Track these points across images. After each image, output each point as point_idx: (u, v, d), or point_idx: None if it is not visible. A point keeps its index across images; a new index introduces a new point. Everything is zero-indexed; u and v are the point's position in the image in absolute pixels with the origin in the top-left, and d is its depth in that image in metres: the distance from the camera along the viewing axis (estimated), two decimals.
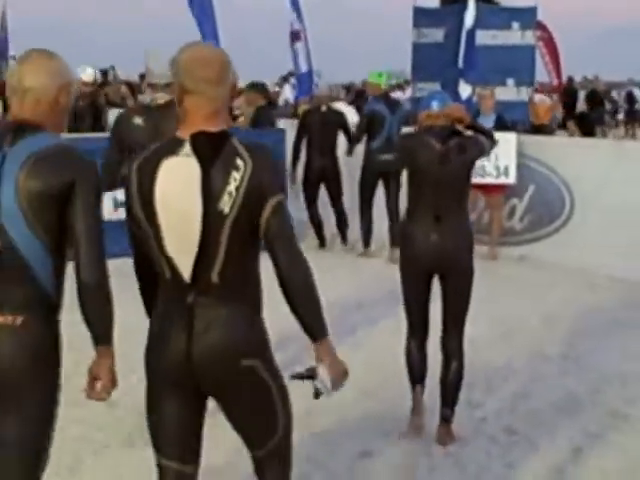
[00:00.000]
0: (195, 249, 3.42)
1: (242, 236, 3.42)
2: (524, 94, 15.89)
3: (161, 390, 3.60)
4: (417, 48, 15.98)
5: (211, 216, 3.39)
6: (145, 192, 3.43)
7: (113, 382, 3.60)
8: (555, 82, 25.27)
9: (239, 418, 3.64)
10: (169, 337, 3.51)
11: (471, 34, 13.63)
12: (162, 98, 6.07)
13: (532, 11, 16.15)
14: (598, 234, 10.68)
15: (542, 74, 23.10)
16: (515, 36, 15.62)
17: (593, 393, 7.04)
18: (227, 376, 3.50)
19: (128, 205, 3.53)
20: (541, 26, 21.68)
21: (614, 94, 30.58)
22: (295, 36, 16.70)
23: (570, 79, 27.91)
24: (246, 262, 3.50)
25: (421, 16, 15.99)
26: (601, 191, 10.80)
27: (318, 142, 12.00)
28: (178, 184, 3.42)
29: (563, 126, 21.73)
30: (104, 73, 24.27)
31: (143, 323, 3.95)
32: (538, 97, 13.27)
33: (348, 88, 31.22)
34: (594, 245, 10.67)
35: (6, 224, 3.46)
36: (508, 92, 15.60)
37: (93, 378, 3.58)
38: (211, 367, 3.47)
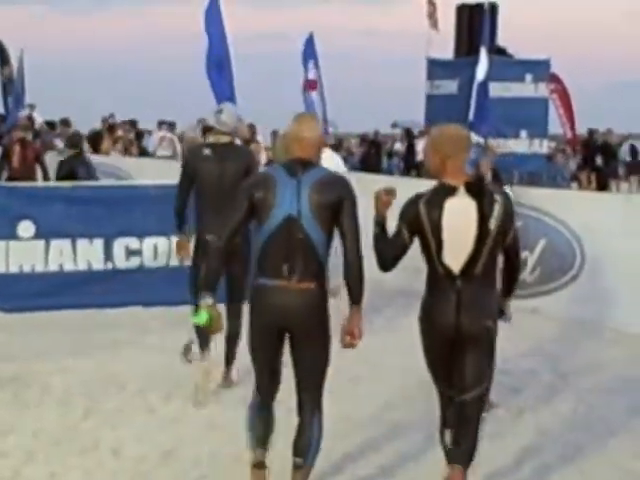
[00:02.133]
0: (466, 253, 5.33)
1: (495, 245, 5.38)
2: (537, 146, 15.95)
3: (436, 345, 5.46)
4: (430, 99, 16.07)
5: (482, 232, 5.33)
6: (434, 218, 5.34)
7: (360, 334, 5.43)
8: (569, 134, 25.34)
9: (469, 364, 5.40)
10: (443, 310, 5.38)
11: (482, 87, 13.67)
12: (224, 139, 8.30)
13: (545, 64, 16.25)
14: (608, 288, 10.67)
15: (556, 126, 23.16)
16: (528, 88, 15.72)
17: (602, 448, 7.00)
18: (477, 333, 5.37)
19: (412, 225, 5.38)
20: (555, 78, 21.78)
21: (625, 147, 30.40)
22: (311, 85, 16.76)
23: (591, 132, 27.93)
24: (494, 261, 5.44)
25: (435, 68, 16.11)
26: (612, 244, 10.78)
27: None
28: (460, 213, 5.34)
29: (575, 179, 21.79)
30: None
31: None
32: None
33: (362, 138, 31.35)
34: (604, 299, 10.66)
35: (304, 222, 5.38)
36: (522, 144, 15.68)
37: (346, 332, 5.41)
38: (470, 327, 5.35)
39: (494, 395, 7.73)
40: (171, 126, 23.30)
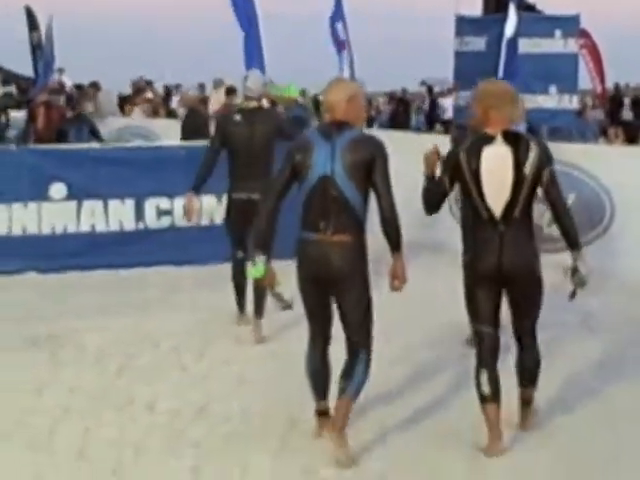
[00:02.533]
0: (505, 198, 5.79)
1: (531, 189, 5.83)
2: (567, 102, 15.84)
3: (479, 284, 5.95)
4: (459, 56, 15.98)
5: (519, 177, 5.78)
6: (473, 165, 5.81)
7: (405, 278, 5.89)
8: (599, 89, 25.16)
9: (521, 298, 6.03)
10: (487, 252, 5.88)
11: (512, 43, 13.58)
12: (252, 104, 8.90)
13: (575, 19, 16.08)
14: (638, 241, 10.65)
15: (586, 81, 23.00)
16: (558, 44, 15.56)
17: (633, 401, 7.06)
18: (521, 274, 5.90)
19: (452, 173, 5.90)
20: (584, 34, 21.60)
21: None
22: (340, 45, 16.75)
23: (617, 86, 27.74)
24: (530, 205, 5.89)
25: (463, 25, 15.98)
26: None
27: None
28: (497, 160, 5.80)
29: (604, 133, 21.60)
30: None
31: None
32: None
33: (391, 96, 31.29)
34: (634, 253, 10.64)
35: (338, 181, 5.76)
36: (551, 100, 15.57)
37: (392, 277, 5.89)
38: (513, 269, 5.86)
39: None
40: (201, 87, 23.28)
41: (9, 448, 6.12)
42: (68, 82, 23.20)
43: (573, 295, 6.08)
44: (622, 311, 9.55)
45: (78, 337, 8.45)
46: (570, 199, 11.51)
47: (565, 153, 11.66)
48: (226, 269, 9.08)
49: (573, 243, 6.01)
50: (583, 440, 6.29)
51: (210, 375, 7.53)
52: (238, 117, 8.84)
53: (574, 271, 5.98)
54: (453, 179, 5.94)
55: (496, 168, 5.81)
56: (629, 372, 7.67)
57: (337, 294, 5.94)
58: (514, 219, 5.85)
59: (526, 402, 6.35)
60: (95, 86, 21.57)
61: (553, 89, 15.37)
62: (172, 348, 8.19)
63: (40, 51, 20.11)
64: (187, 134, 13.84)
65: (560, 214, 5.95)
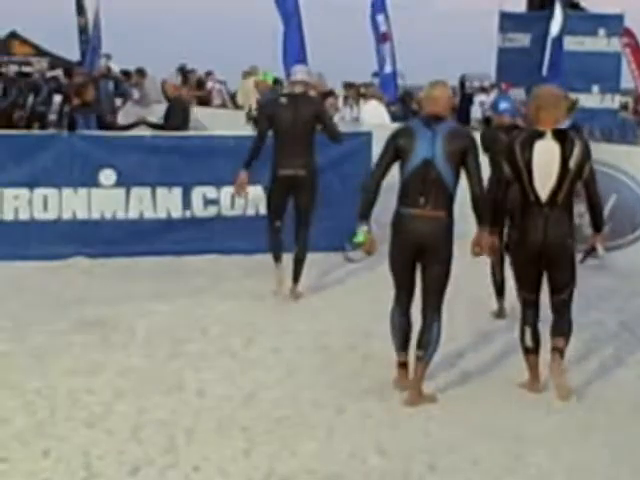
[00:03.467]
0: (551, 186, 6.78)
1: (573, 180, 6.82)
2: (609, 101, 15.89)
3: (526, 257, 6.96)
4: (502, 52, 16.06)
5: (564, 169, 6.75)
6: (526, 155, 6.80)
7: (485, 247, 6.90)
8: None
9: (557, 271, 6.95)
10: (533, 230, 6.85)
11: (557, 42, 13.67)
12: (299, 90, 9.74)
13: (619, 18, 16.11)
14: None
15: (628, 81, 22.94)
16: (601, 43, 15.60)
17: None
18: (560, 247, 6.87)
19: (510, 161, 6.90)
20: (628, 33, 21.57)
21: None
22: (382, 37, 16.87)
23: None
24: (572, 194, 6.89)
25: (507, 21, 16.05)
26: None
27: None
28: (546, 153, 6.78)
29: None
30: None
31: None
32: None
33: None
34: None
35: (438, 164, 6.66)
36: (593, 99, 15.63)
37: (474, 244, 6.89)
38: (553, 243, 6.84)
39: None
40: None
41: (66, 425, 6.31)
42: (115, 68, 23.33)
43: (587, 255, 7.68)
44: None
45: (128, 322, 8.61)
46: (611, 200, 11.64)
47: (606, 154, 11.74)
48: (271, 260, 9.36)
49: (598, 227, 7.15)
50: (624, 435, 6.44)
51: (259, 362, 7.70)
52: (284, 100, 9.70)
53: (593, 250, 7.44)
54: (512, 167, 6.88)
55: (545, 159, 6.78)
56: None
57: (427, 263, 6.77)
58: (557, 204, 6.82)
59: (559, 350, 6.98)
60: (141, 72, 21.62)
61: (595, 88, 15.42)
62: (220, 335, 8.35)
63: (87, 36, 20.28)
64: (172, 126, 13.16)
65: (595, 205, 7.01)
